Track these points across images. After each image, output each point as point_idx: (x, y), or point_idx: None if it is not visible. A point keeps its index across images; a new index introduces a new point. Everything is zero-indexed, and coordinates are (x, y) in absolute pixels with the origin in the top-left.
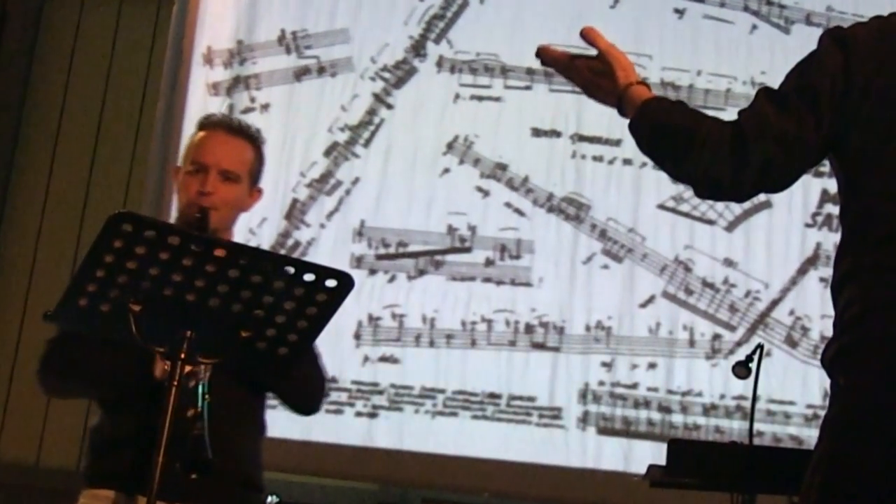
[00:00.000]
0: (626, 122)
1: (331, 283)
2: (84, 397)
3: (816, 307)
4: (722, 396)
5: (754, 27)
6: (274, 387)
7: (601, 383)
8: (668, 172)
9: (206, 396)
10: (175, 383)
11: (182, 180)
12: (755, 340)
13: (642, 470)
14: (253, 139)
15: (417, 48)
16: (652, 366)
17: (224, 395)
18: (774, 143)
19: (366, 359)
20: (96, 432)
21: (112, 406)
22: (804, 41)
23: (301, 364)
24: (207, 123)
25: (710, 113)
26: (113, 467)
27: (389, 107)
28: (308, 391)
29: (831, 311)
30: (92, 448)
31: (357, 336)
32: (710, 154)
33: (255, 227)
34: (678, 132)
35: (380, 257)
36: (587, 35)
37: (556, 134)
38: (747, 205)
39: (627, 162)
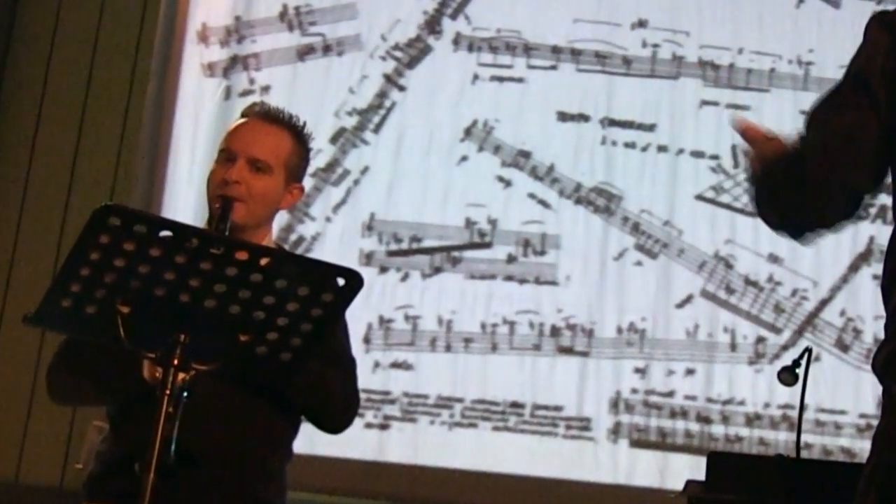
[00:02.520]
0: (660, 104)
1: (338, 281)
2: (88, 405)
3: (869, 307)
4: (766, 405)
5: (801, 0)
6: (302, 406)
7: (634, 391)
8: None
9: (184, 397)
10: (167, 392)
11: (211, 171)
12: (803, 344)
13: (679, 486)
14: (294, 129)
15: (432, 24)
16: (690, 372)
17: (238, 410)
18: (838, 138)
19: (376, 365)
20: (104, 443)
21: (115, 416)
22: (855, 16)
23: (334, 381)
24: (247, 111)
25: (753, 94)
26: (111, 482)
27: (402, 89)
28: (340, 410)
29: None
30: (97, 459)
31: (367, 340)
32: (783, 189)
33: None
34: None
35: (391, 253)
36: (743, 133)
37: (584, 118)
38: None
39: (662, 149)
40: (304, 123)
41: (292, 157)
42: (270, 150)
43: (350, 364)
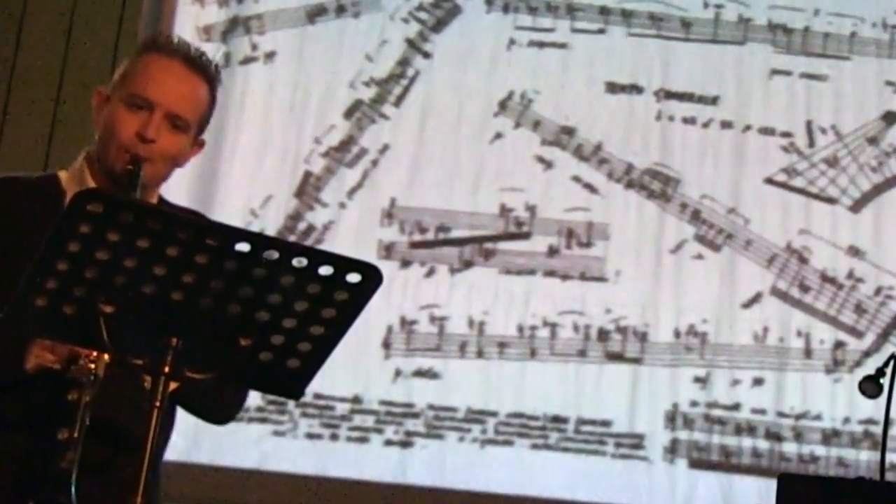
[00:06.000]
0: (724, 73)
1: (353, 277)
2: None
3: None
4: (846, 420)
5: None
6: (185, 393)
7: (694, 404)
8: None
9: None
10: (157, 404)
11: (114, 114)
12: (888, 350)
13: None
14: (211, 78)
15: None
16: (758, 381)
17: (129, 394)
18: None
19: (397, 373)
20: None
21: None
22: None
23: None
24: (158, 46)
25: (830, 62)
26: None
27: (427, 55)
28: (227, 400)
29: None
30: None
31: (386, 344)
32: None
33: (257, 208)
34: None
35: (415, 245)
36: None
37: (636, 90)
38: (877, 179)
39: (726, 125)
40: (217, 66)
41: (207, 111)
42: (192, 105)
43: None
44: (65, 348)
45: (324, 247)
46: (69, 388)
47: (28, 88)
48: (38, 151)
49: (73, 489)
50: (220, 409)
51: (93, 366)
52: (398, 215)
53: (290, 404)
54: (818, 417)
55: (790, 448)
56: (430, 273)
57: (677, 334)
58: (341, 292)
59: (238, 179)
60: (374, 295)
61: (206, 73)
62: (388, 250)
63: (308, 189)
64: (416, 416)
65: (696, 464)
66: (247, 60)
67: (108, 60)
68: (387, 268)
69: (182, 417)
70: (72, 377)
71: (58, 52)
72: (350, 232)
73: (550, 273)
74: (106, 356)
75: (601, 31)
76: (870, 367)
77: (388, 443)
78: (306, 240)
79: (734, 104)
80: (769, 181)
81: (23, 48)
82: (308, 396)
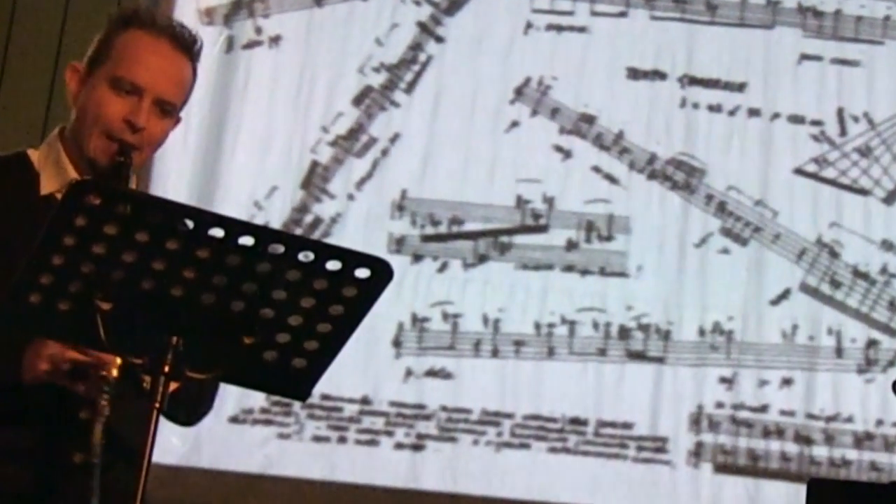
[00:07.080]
0: (751, 58)
1: (362, 272)
2: None
3: None
4: (879, 423)
5: None
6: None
7: (719, 405)
8: None
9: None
10: (157, 405)
11: (98, 96)
12: None
13: None
14: (194, 56)
15: None
16: (786, 382)
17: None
18: None
19: (408, 373)
20: None
21: None
22: None
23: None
24: (142, 22)
25: (863, 47)
26: None
27: (439, 40)
28: (201, 400)
29: None
30: None
31: (397, 343)
32: None
33: (261, 200)
34: None
35: (427, 238)
36: None
37: (659, 75)
38: None
39: (754, 112)
40: (202, 42)
41: (190, 90)
42: (181, 89)
43: None
44: (68, 362)
45: (331, 240)
46: (80, 406)
47: (23, 69)
48: (34, 133)
49: None
50: (193, 411)
51: (105, 384)
52: (409, 207)
53: (296, 406)
54: (850, 419)
55: (820, 452)
56: (443, 268)
57: (702, 332)
58: (350, 288)
59: (241, 170)
60: (384, 291)
61: (191, 51)
62: (398, 244)
63: (315, 180)
64: (427, 417)
65: (721, 468)
66: (251, 45)
67: None
68: (397, 262)
69: None
70: (84, 395)
71: (54, 34)
72: (359, 225)
73: (569, 268)
74: (115, 371)
75: (622, 15)
76: None
77: (399, 446)
78: (313, 233)
79: (762, 91)
80: (799, 172)
81: (18, 28)
82: (315, 397)
